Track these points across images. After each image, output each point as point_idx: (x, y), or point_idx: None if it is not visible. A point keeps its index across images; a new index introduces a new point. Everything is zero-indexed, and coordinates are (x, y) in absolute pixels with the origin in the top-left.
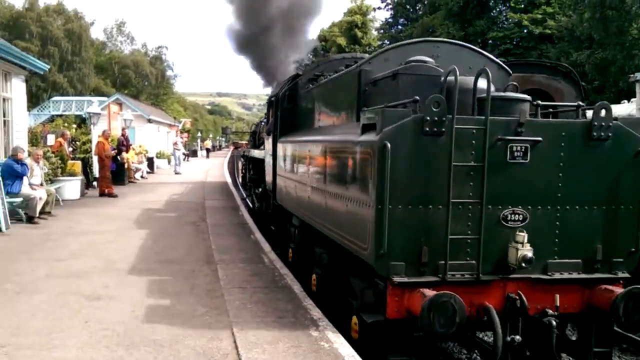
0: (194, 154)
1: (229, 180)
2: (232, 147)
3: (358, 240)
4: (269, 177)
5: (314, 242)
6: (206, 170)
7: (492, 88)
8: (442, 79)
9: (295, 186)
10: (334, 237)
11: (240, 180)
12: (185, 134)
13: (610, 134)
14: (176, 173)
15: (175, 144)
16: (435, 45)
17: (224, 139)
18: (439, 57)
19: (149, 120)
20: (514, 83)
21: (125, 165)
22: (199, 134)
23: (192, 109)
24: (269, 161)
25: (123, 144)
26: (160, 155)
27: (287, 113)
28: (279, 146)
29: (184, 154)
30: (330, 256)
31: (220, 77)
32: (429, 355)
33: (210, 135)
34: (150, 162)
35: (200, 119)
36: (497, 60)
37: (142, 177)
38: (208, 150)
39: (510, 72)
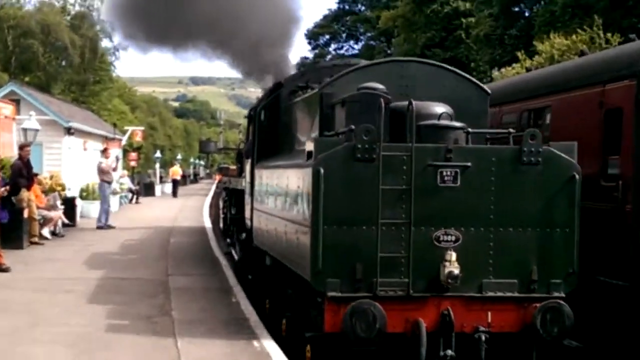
0: (147, 188)
1: (213, 242)
2: (217, 177)
3: (302, 261)
4: (247, 214)
5: (285, 283)
6: (171, 219)
7: (447, 109)
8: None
9: (268, 220)
10: (294, 267)
11: (221, 224)
12: (134, 154)
13: (540, 159)
14: (100, 227)
15: (102, 170)
16: (404, 65)
17: (203, 163)
18: (403, 77)
19: (69, 131)
20: (447, 112)
21: (25, 213)
22: (158, 154)
23: (146, 109)
24: (248, 192)
25: (21, 174)
26: (87, 194)
27: (267, 132)
28: (256, 173)
29: (130, 190)
30: (299, 294)
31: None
32: None
33: (179, 157)
34: (70, 206)
35: (162, 127)
36: (472, 79)
37: (55, 233)
38: (175, 183)
39: (489, 92)
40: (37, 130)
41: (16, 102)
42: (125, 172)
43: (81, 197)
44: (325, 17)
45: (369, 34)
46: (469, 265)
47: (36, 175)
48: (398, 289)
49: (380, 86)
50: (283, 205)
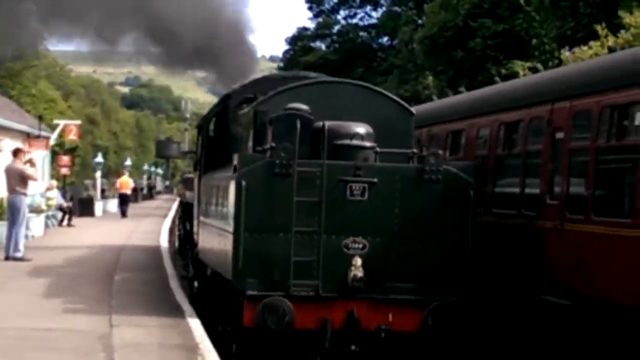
0: (84, 206)
1: (174, 282)
2: (180, 191)
3: (226, 265)
4: (195, 228)
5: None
6: (117, 249)
7: (365, 129)
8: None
9: (207, 232)
10: (221, 271)
11: (177, 242)
12: (66, 157)
13: (440, 177)
14: (11, 257)
15: (21, 176)
16: (334, 87)
17: (161, 171)
18: (333, 98)
19: None
20: (363, 132)
21: None
22: (99, 158)
23: (84, 96)
24: (196, 205)
25: None
26: (1, 211)
27: (215, 143)
28: (202, 185)
29: (60, 208)
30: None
31: None
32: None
33: (128, 162)
34: None
35: (105, 121)
36: (398, 100)
37: None
38: (124, 199)
39: (413, 112)
40: None
41: None
42: (54, 182)
43: None
44: None
45: None
46: (373, 270)
47: None
48: (309, 289)
49: (305, 107)
50: (215, 215)
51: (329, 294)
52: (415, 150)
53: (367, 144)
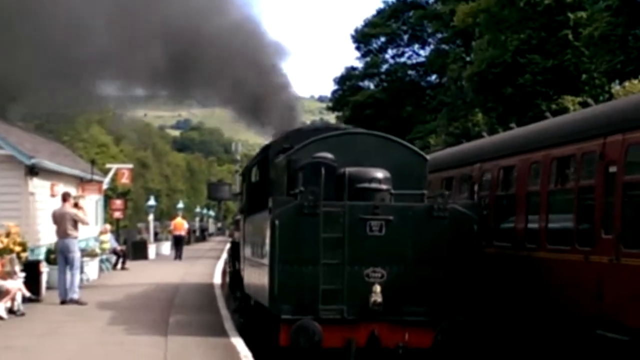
0: (137, 249)
1: (229, 323)
2: (231, 232)
3: (265, 293)
4: (242, 265)
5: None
6: (171, 291)
7: (384, 174)
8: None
9: (250, 266)
10: (260, 300)
11: (228, 279)
12: (119, 201)
13: (447, 214)
14: (70, 300)
15: (73, 219)
16: (356, 137)
17: (213, 213)
18: (356, 147)
19: (32, 170)
20: (381, 176)
21: None
22: (152, 201)
23: (135, 140)
24: (242, 244)
25: None
26: (55, 256)
27: (256, 188)
28: (246, 225)
29: (114, 252)
30: (266, 322)
31: None
32: None
33: (180, 205)
34: (33, 274)
35: (156, 164)
36: (413, 147)
37: (12, 311)
38: (178, 241)
39: (427, 158)
40: None
41: None
42: (108, 226)
43: (48, 260)
44: (379, 12)
45: (439, 35)
46: (391, 296)
47: None
48: (336, 313)
49: (330, 155)
50: (256, 251)
51: (352, 317)
52: (425, 192)
53: (384, 186)
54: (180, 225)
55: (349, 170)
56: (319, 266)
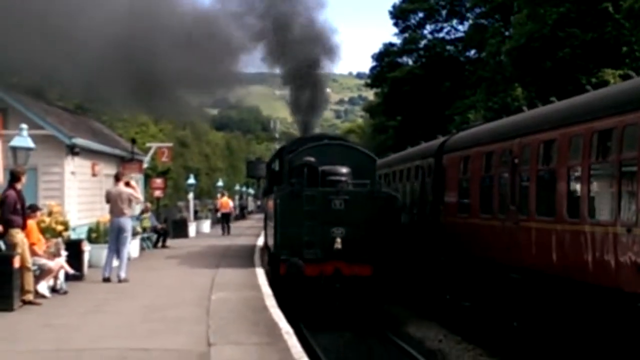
0: (178, 227)
1: (270, 300)
2: None
3: (273, 245)
4: (269, 237)
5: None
6: (211, 276)
7: (346, 170)
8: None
9: (269, 232)
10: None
11: (262, 245)
12: (159, 180)
13: (382, 196)
14: (105, 279)
15: (130, 197)
16: (331, 145)
17: (252, 191)
18: (329, 151)
19: (73, 150)
20: (343, 171)
21: (16, 262)
22: (191, 180)
23: (174, 120)
24: (265, 219)
25: (14, 210)
26: (97, 235)
27: (275, 176)
28: (267, 203)
29: (154, 230)
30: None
31: None
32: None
33: (219, 184)
34: (75, 253)
35: (196, 143)
36: (367, 151)
37: (55, 289)
38: (226, 218)
39: (376, 158)
40: (30, 150)
41: (1, 111)
42: (149, 204)
43: (90, 239)
44: None
45: (478, 10)
46: (347, 245)
47: (35, 209)
48: (313, 255)
49: (312, 159)
50: (269, 220)
51: (323, 257)
52: (368, 182)
53: (345, 178)
54: (227, 203)
55: (323, 168)
56: (303, 228)
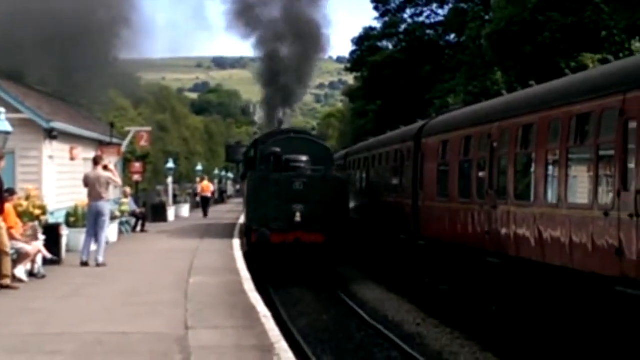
0: (156, 212)
1: (248, 284)
2: None
3: (246, 218)
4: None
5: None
6: (192, 250)
7: (306, 158)
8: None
9: (244, 207)
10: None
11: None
12: (138, 164)
13: (334, 179)
14: (83, 264)
15: (108, 181)
16: (294, 138)
17: (231, 175)
18: (294, 143)
19: (51, 134)
20: (302, 159)
21: None
22: (170, 164)
23: (154, 103)
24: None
25: None
26: (75, 219)
27: (250, 163)
28: (243, 186)
29: (133, 215)
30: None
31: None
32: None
33: (199, 168)
34: (53, 237)
35: (175, 127)
36: (324, 143)
37: (33, 273)
38: (206, 201)
39: (330, 148)
40: (8, 134)
41: None
42: (128, 189)
43: (68, 223)
44: None
45: None
46: (305, 219)
47: (12, 193)
48: (278, 226)
49: (278, 149)
50: (244, 198)
51: (286, 228)
52: (321, 168)
53: (304, 165)
54: (207, 187)
55: (286, 156)
56: (270, 204)
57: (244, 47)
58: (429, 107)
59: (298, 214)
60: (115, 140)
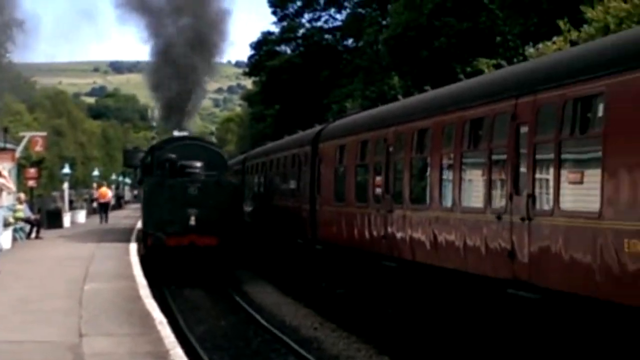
0: (52, 218)
1: (144, 290)
2: None
3: (142, 222)
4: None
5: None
6: (87, 258)
7: (200, 164)
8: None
9: (141, 211)
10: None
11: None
12: (33, 170)
13: (228, 184)
14: None
15: None
16: (188, 144)
17: (129, 181)
18: (188, 148)
19: None
20: (197, 165)
21: None
22: (66, 169)
23: (49, 108)
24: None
25: None
26: None
27: (147, 168)
28: (140, 191)
29: (27, 221)
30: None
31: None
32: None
33: (95, 172)
34: None
35: (71, 131)
36: (219, 150)
37: None
38: (104, 207)
39: (224, 155)
40: None
41: None
42: (22, 195)
43: None
44: None
45: (356, 0)
46: (199, 222)
47: None
48: (173, 229)
49: (174, 155)
50: (141, 203)
51: (181, 232)
52: (215, 173)
53: (198, 170)
54: (105, 193)
55: (181, 162)
56: (165, 209)
57: (141, 51)
58: (327, 112)
59: (193, 218)
60: (9, 146)
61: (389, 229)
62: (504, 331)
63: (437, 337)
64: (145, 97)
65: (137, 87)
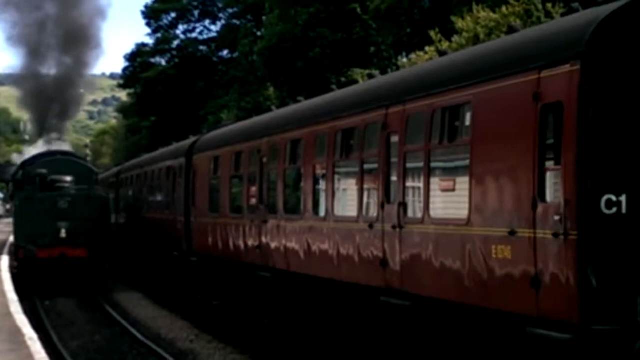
0: None
1: (15, 306)
2: None
3: (15, 236)
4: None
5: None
6: None
7: (70, 178)
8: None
9: (14, 227)
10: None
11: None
12: None
13: (97, 196)
14: None
15: None
16: (61, 159)
17: (1, 195)
18: (59, 163)
19: None
20: (67, 179)
21: None
22: None
23: None
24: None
25: None
26: None
27: (19, 184)
28: (12, 206)
29: None
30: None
31: None
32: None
33: None
34: None
35: None
36: (89, 165)
37: None
38: None
39: (95, 170)
40: None
41: None
42: None
43: None
44: None
45: (230, 10)
46: (70, 235)
47: None
48: (44, 242)
49: (44, 170)
50: (14, 218)
51: (51, 244)
52: (85, 187)
53: (68, 185)
54: None
55: (52, 177)
56: (36, 222)
57: (12, 62)
58: (204, 123)
59: (63, 231)
60: None
61: (264, 239)
62: (379, 338)
63: (313, 347)
64: (17, 110)
65: (9, 100)
